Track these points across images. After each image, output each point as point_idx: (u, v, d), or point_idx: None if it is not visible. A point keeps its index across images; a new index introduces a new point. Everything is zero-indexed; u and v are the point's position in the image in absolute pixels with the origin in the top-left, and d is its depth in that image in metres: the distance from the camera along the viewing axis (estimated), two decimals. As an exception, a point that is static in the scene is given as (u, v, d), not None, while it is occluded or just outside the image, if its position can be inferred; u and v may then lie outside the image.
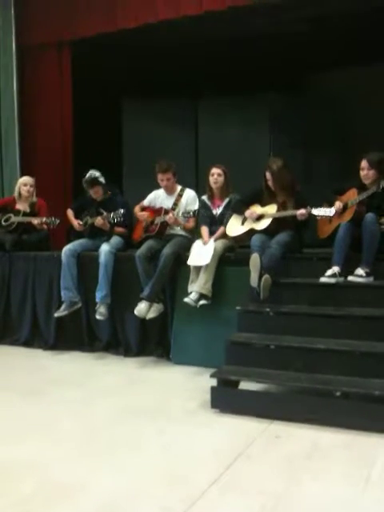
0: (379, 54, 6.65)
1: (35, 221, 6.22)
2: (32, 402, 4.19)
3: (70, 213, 6.17)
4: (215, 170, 5.46)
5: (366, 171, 4.73)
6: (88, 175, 5.85)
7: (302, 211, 4.80)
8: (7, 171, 7.32)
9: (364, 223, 4.50)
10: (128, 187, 7.81)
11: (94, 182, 5.84)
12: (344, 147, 7.20)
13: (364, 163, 4.73)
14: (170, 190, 5.69)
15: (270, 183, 5.05)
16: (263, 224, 5.02)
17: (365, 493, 2.72)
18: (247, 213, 5.12)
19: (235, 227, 5.24)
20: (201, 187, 5.87)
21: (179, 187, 5.72)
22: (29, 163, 7.41)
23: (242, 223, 5.21)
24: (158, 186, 5.80)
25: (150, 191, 5.88)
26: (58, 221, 6.14)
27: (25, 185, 6.44)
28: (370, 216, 4.51)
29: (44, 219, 6.15)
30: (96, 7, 6.93)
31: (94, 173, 5.85)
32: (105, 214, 5.66)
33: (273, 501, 2.64)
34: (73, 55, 7.43)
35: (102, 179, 5.86)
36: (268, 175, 5.03)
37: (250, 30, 6.98)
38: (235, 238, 5.25)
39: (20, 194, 6.45)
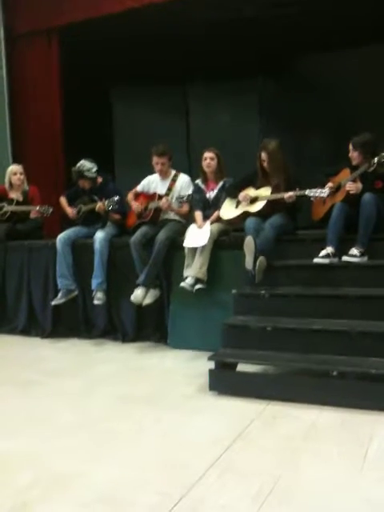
0: (369, 37, 6.62)
1: (30, 209, 6.20)
2: (30, 392, 4.19)
3: (63, 200, 6.15)
4: (208, 154, 5.43)
5: (351, 153, 4.80)
6: (77, 166, 5.78)
7: (290, 194, 4.80)
8: (-1, 160, 7.29)
9: (362, 203, 4.49)
10: (120, 174, 7.80)
11: (80, 175, 5.80)
12: (334, 130, 7.19)
13: (350, 146, 4.79)
14: (163, 175, 5.66)
15: (265, 164, 5.03)
16: (257, 206, 5.01)
17: (362, 472, 2.74)
18: (240, 196, 5.10)
19: (229, 210, 5.22)
20: (193, 173, 5.85)
21: (173, 172, 5.70)
22: (20, 151, 7.40)
23: (236, 206, 5.19)
24: (149, 173, 5.78)
25: (142, 178, 5.86)
26: (51, 209, 6.12)
27: (14, 174, 6.40)
28: (367, 196, 4.50)
29: (37, 208, 6.13)
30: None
31: (84, 164, 5.77)
32: (103, 199, 5.62)
33: (271, 482, 2.65)
34: (62, 43, 7.39)
35: (91, 172, 5.78)
36: (264, 155, 4.99)
37: (238, 13, 6.90)
38: (229, 221, 5.23)
39: (11, 183, 6.41)
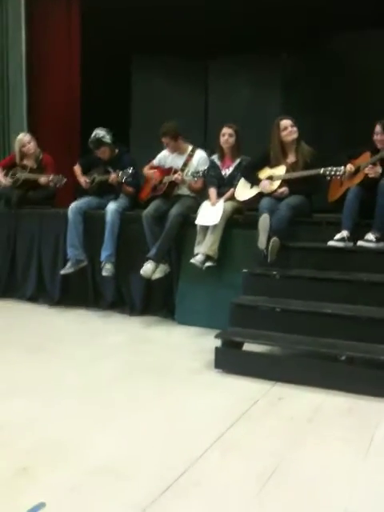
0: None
1: (42, 178, 6.14)
2: (36, 359, 4.19)
3: (77, 169, 6.07)
4: (226, 130, 5.33)
5: (379, 136, 4.66)
6: (93, 136, 5.68)
7: (303, 173, 4.76)
8: (14, 125, 7.17)
9: (379, 188, 4.41)
10: (135, 145, 7.69)
11: (99, 142, 5.68)
12: (356, 111, 7.04)
13: (378, 128, 4.65)
14: (177, 151, 5.58)
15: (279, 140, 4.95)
16: (273, 186, 4.93)
17: (366, 458, 2.71)
18: (261, 185, 4.95)
19: (244, 191, 5.14)
20: (209, 148, 5.77)
21: (190, 147, 5.61)
22: (35, 118, 7.29)
23: (251, 186, 5.11)
24: (164, 147, 5.70)
25: (158, 149, 5.76)
26: (64, 180, 6.04)
27: (23, 146, 6.28)
28: None
29: (51, 177, 6.06)
30: None
31: (98, 132, 5.67)
32: (117, 171, 5.56)
33: (274, 463, 2.63)
34: (82, 8, 7.26)
35: (107, 138, 5.68)
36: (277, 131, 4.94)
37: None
38: (244, 203, 5.17)
39: (22, 153, 6.33)
